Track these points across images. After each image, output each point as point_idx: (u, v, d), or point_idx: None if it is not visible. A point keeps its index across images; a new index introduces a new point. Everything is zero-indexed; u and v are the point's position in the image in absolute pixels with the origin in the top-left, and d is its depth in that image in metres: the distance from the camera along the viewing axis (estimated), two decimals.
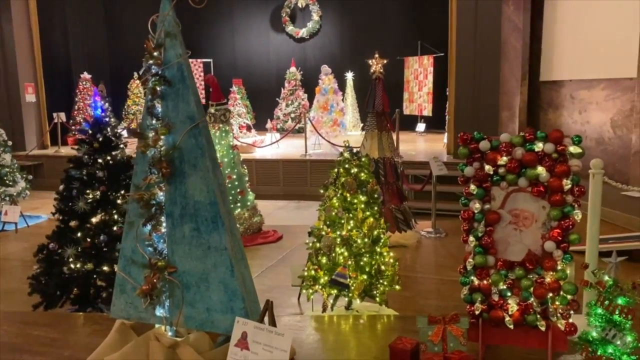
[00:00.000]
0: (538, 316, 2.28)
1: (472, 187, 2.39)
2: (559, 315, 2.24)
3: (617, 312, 2.07)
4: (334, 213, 3.38)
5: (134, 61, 13.25)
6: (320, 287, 3.41)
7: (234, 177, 6.55)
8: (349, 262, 3.30)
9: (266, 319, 2.34)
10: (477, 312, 2.36)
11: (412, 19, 14.38)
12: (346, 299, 3.41)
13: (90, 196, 3.97)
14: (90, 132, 4.11)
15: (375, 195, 3.51)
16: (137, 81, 14.69)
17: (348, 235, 3.33)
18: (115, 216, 4.01)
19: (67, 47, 14.41)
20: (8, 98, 12.21)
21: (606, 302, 2.10)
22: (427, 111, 13.21)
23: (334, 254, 3.35)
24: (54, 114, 12.42)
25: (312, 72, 14.48)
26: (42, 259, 4.04)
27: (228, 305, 2.39)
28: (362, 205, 3.38)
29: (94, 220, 3.96)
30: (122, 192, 4.02)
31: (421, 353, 2.32)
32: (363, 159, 3.51)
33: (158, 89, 2.40)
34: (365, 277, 3.31)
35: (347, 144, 3.60)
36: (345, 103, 14.10)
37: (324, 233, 3.42)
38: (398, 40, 14.27)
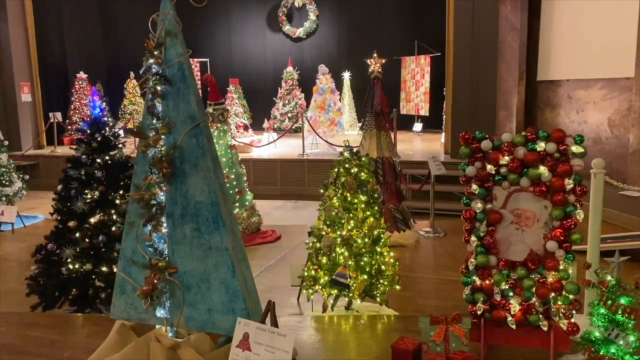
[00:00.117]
0: (540, 316, 2.28)
1: (474, 186, 2.38)
2: (561, 315, 2.24)
3: (619, 312, 2.07)
4: (334, 213, 3.37)
5: (130, 61, 13.35)
6: (320, 287, 3.40)
7: (232, 176, 6.54)
8: (349, 262, 3.30)
9: (268, 319, 2.33)
10: (479, 312, 2.36)
11: (409, 19, 14.38)
12: (346, 299, 3.41)
13: (89, 196, 3.96)
14: (88, 131, 4.09)
15: (376, 195, 3.50)
16: (134, 81, 14.65)
17: (348, 235, 3.33)
18: (114, 216, 3.99)
19: (63, 46, 14.34)
20: (4, 97, 12.18)
21: (609, 302, 2.09)
22: (424, 111, 13.22)
23: (334, 254, 3.34)
24: (50, 114, 12.40)
25: (309, 71, 14.46)
26: (40, 259, 4.02)
27: (229, 306, 2.38)
28: (363, 205, 3.38)
29: (92, 220, 3.95)
30: (121, 192, 4.01)
31: (423, 353, 2.32)
32: (363, 159, 3.51)
33: (158, 88, 2.39)
34: (365, 277, 3.31)
35: (347, 144, 3.58)
36: (343, 103, 14.09)
37: (324, 233, 3.41)
38: (395, 39, 14.28)
